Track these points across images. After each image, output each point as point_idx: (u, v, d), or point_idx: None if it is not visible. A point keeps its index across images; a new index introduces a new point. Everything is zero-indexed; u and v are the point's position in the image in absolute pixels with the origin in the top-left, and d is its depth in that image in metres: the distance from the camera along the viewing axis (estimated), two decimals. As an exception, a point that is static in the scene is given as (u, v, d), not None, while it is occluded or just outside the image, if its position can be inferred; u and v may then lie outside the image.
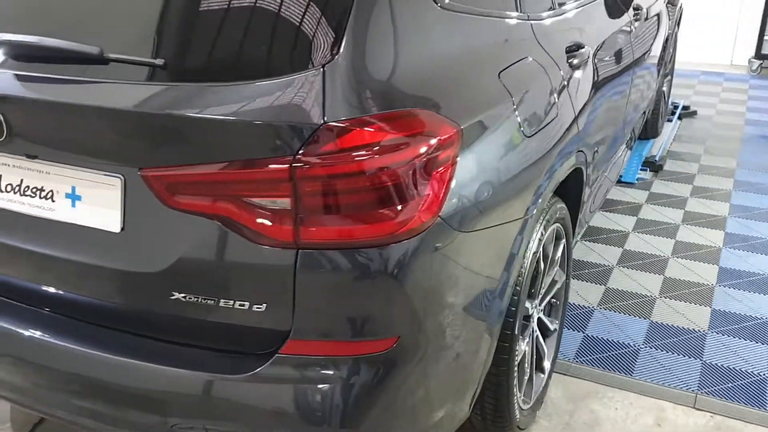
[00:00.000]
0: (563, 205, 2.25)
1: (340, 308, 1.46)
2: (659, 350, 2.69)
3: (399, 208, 1.41)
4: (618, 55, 2.84)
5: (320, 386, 1.48)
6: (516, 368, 2.00)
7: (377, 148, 1.38)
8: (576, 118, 2.15)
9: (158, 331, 1.59)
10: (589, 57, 2.31)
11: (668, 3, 4.17)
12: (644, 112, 4.14)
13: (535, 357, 2.25)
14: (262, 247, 1.41)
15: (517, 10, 2.02)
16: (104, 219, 1.54)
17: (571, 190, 2.44)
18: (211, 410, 1.52)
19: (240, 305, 1.47)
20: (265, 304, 1.46)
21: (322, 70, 1.39)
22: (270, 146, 1.37)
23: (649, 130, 4.71)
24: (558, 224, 2.23)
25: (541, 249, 2.06)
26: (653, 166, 4.50)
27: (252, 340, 1.51)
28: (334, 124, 1.36)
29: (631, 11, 3.08)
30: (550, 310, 2.47)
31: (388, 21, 1.49)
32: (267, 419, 1.50)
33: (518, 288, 1.91)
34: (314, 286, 1.44)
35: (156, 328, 1.59)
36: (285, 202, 1.38)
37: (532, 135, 1.82)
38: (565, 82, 2.08)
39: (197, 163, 1.41)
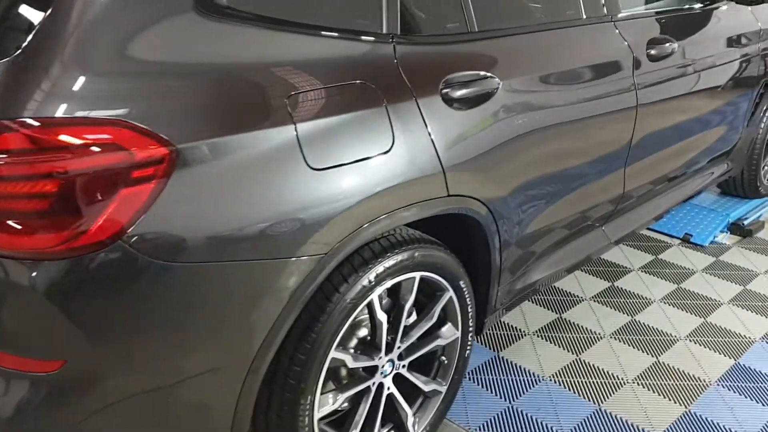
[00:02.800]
0: (440, 254, 1.98)
1: (1, 318, 1.41)
2: (583, 443, 2.28)
3: (52, 223, 1.32)
4: (592, 96, 2.40)
5: (-13, 392, 1.44)
6: (316, 421, 1.81)
7: (22, 153, 1.29)
8: (443, 159, 1.84)
9: None
10: (497, 91, 1.99)
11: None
12: (725, 166, 3.55)
13: (380, 415, 2.02)
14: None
15: (379, 30, 1.80)
16: None
17: (476, 242, 2.15)
18: None
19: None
20: (-54, 298, 1.45)
21: None
22: None
23: (746, 189, 4.02)
24: (431, 273, 1.97)
25: (375, 297, 1.84)
26: (740, 230, 3.85)
27: None
28: None
29: (639, 46, 2.63)
30: (438, 369, 2.20)
31: (99, 25, 1.37)
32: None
33: (313, 335, 1.72)
34: (-25, 289, 1.40)
35: None
36: None
37: (327, 168, 1.61)
38: (422, 115, 1.80)
39: None
